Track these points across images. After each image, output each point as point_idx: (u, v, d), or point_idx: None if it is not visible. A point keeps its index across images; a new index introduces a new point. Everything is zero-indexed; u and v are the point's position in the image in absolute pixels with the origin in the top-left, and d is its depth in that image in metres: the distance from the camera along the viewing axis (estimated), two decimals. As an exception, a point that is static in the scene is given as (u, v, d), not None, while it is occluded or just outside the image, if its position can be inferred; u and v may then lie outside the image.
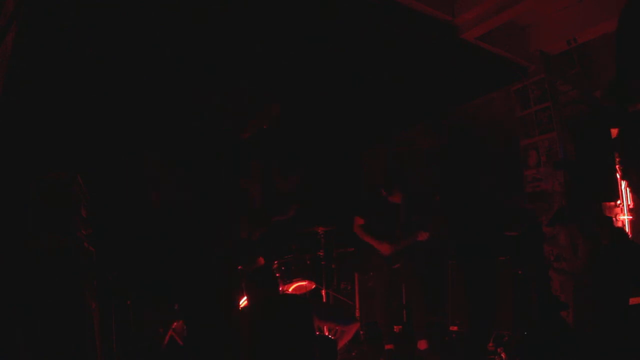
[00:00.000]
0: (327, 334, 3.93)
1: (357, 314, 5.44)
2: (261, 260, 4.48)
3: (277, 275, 4.36)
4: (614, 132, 5.31)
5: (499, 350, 4.05)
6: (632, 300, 3.78)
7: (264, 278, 3.23)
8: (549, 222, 4.21)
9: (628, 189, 6.42)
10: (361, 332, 5.01)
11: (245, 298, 4.04)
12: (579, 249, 4.03)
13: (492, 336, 4.38)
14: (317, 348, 3.08)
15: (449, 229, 5.57)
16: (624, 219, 6.27)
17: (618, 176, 5.53)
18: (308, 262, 4.60)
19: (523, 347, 3.95)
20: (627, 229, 6.25)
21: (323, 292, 5.06)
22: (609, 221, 4.16)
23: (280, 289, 4.35)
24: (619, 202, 6.13)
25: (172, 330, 4.00)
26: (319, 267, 5.04)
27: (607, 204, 5.72)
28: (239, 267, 4.06)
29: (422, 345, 4.23)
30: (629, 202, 6.40)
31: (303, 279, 4.49)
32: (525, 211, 5.15)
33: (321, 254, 5.12)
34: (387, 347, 4.39)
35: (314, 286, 4.61)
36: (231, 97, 3.58)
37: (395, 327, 4.88)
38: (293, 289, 4.46)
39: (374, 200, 4.56)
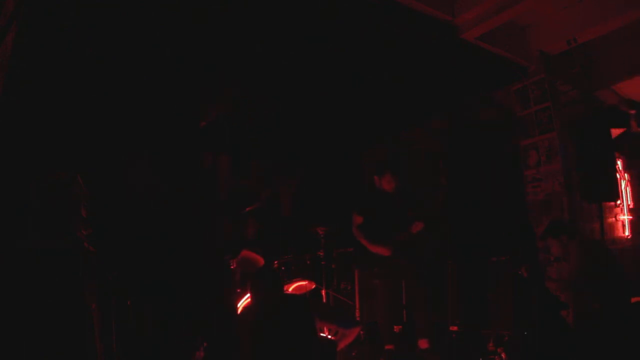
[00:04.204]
0: (327, 334, 3.92)
1: (357, 313, 5.43)
2: (261, 261, 4.49)
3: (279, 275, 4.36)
4: (614, 132, 5.33)
5: (499, 350, 4.05)
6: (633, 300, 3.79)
7: (267, 278, 3.23)
8: (541, 235, 4.23)
9: (628, 189, 6.43)
10: (361, 332, 5.01)
11: (246, 297, 4.05)
12: (570, 257, 4.05)
13: (492, 336, 4.37)
14: (317, 348, 3.08)
15: (449, 228, 5.56)
16: (624, 219, 6.28)
17: (618, 176, 5.54)
18: (308, 262, 4.60)
19: (523, 347, 3.96)
20: (627, 228, 6.26)
21: (323, 292, 5.06)
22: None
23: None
24: (619, 202, 6.13)
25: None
26: (319, 267, 5.03)
27: (607, 203, 5.72)
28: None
29: (423, 344, 4.22)
30: (629, 202, 6.41)
31: (303, 279, 4.49)
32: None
33: (321, 254, 5.12)
34: (387, 347, 4.38)
35: (314, 286, 4.60)
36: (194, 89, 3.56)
37: (395, 327, 4.87)
38: (293, 289, 4.46)
39: (369, 194, 4.54)
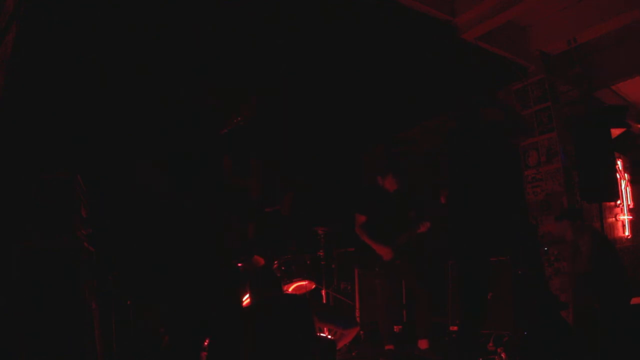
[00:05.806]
0: (327, 334, 3.92)
1: (357, 313, 5.43)
2: (261, 261, 4.48)
3: (279, 275, 4.35)
4: (614, 132, 5.34)
5: (499, 350, 4.04)
6: (633, 301, 3.79)
7: (266, 278, 3.23)
8: (558, 216, 4.22)
9: (628, 189, 6.43)
10: (361, 333, 5.01)
11: (246, 297, 4.05)
12: (581, 249, 4.05)
13: (492, 336, 4.37)
14: (316, 348, 3.08)
15: (450, 228, 5.55)
16: (624, 219, 6.28)
17: (618, 176, 5.54)
18: (308, 262, 4.59)
19: (523, 347, 3.96)
20: (627, 228, 6.26)
21: (323, 292, 5.05)
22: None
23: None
24: (619, 202, 6.14)
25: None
26: (319, 267, 5.03)
27: (607, 203, 5.72)
28: (239, 265, 4.05)
29: (423, 344, 4.22)
30: (629, 202, 6.41)
31: (303, 279, 4.48)
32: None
33: (321, 254, 5.11)
34: (387, 347, 4.38)
35: (314, 286, 4.60)
36: (211, 94, 3.54)
37: (395, 327, 4.87)
38: (293, 289, 4.45)
39: (372, 193, 4.54)
